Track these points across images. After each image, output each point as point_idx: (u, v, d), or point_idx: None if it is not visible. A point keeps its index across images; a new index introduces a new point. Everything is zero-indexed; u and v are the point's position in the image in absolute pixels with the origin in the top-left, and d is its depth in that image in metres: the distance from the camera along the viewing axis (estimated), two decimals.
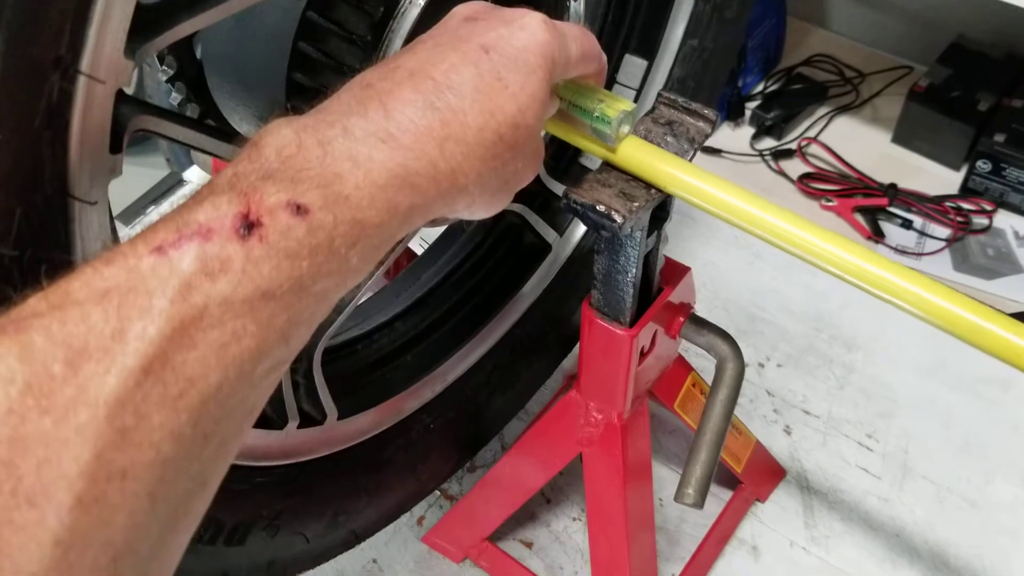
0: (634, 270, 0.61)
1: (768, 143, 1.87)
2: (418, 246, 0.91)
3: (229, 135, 0.51)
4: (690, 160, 0.56)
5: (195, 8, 0.45)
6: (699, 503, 0.65)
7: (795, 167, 1.81)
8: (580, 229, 0.86)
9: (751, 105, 1.90)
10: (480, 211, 0.47)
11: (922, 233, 1.69)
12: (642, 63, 0.83)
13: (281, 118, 0.39)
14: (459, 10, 0.47)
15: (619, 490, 0.73)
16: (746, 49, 1.85)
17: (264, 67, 0.56)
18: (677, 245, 1.12)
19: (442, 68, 0.42)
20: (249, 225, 0.34)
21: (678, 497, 0.66)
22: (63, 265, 0.43)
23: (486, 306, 0.82)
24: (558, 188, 0.82)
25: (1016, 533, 0.91)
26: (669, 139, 0.57)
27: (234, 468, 0.40)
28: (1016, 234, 1.69)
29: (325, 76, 0.54)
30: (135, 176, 1.31)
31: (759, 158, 1.84)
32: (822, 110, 1.90)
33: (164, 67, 0.63)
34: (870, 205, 1.70)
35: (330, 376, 0.66)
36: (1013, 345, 0.46)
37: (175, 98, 0.64)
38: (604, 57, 0.53)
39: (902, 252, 1.66)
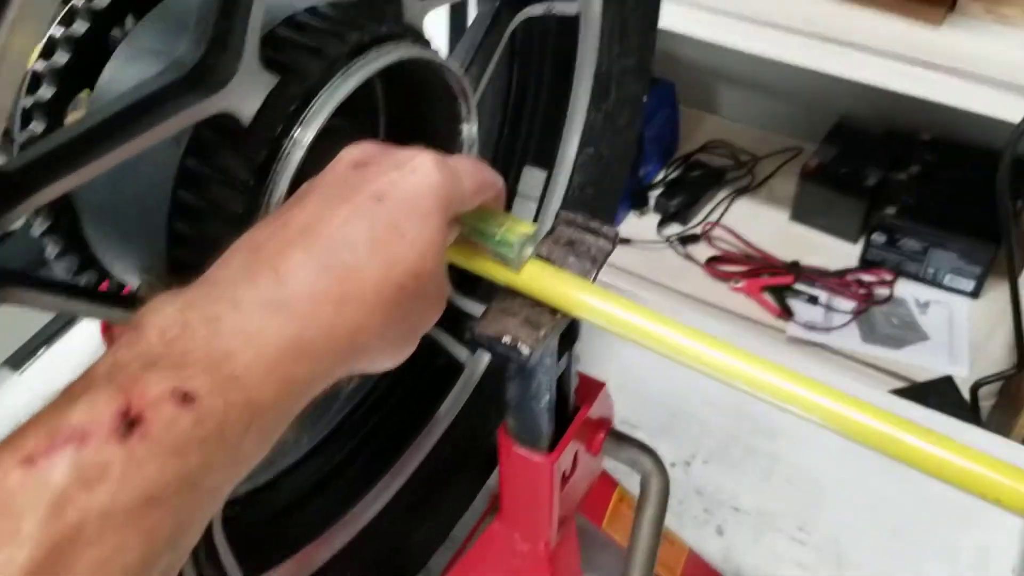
0: (548, 395, 0.59)
1: (674, 229, 1.90)
2: None
3: (110, 297, 0.48)
4: (593, 279, 0.55)
5: (62, 171, 0.42)
6: None
7: (702, 251, 1.84)
8: None
9: (654, 193, 1.95)
10: (386, 363, 0.44)
11: (828, 308, 1.73)
12: (541, 173, 0.83)
13: (164, 294, 0.36)
14: (346, 154, 0.45)
15: None
16: (644, 140, 1.90)
17: (143, 217, 0.53)
18: (593, 347, 1.11)
19: (334, 223, 0.40)
20: (130, 423, 0.30)
21: None
22: None
23: (399, 436, 0.79)
24: (467, 305, 0.80)
25: None
26: (571, 259, 0.56)
27: None
28: (917, 301, 1.74)
29: (208, 224, 0.51)
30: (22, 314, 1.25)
31: (666, 244, 1.87)
32: (722, 193, 1.95)
33: (39, 219, 0.60)
34: (776, 284, 1.73)
35: (232, 533, 0.61)
36: (929, 456, 0.45)
37: (51, 251, 0.61)
38: (500, 181, 0.52)
39: (811, 328, 1.69)
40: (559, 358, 0.58)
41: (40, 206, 0.43)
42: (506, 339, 0.51)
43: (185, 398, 0.32)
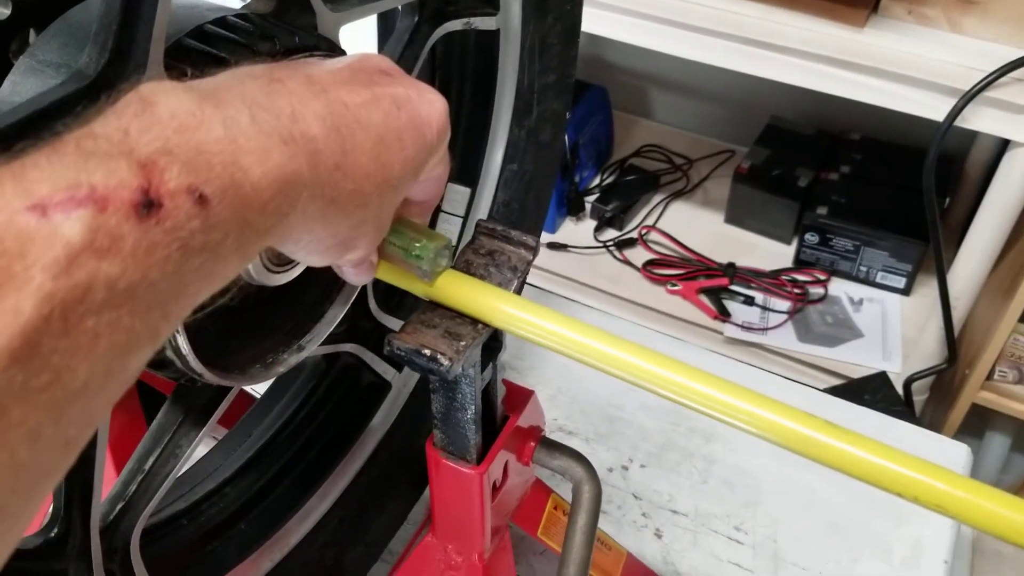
0: (473, 407, 0.58)
1: (610, 234, 1.91)
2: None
3: None
4: (515, 289, 0.54)
5: None
6: None
7: (639, 255, 1.85)
8: None
9: (590, 199, 1.95)
10: (311, 255, 0.44)
11: (764, 308, 1.75)
12: (465, 190, 0.82)
13: (172, 81, 0.34)
14: (373, 59, 0.45)
15: None
16: (578, 145, 1.90)
17: None
18: (529, 352, 1.10)
19: (356, 100, 0.40)
20: (149, 204, 0.29)
21: None
22: None
23: (326, 456, 0.77)
24: (392, 323, 0.79)
25: None
26: (492, 269, 0.55)
27: None
28: (851, 299, 1.77)
29: None
30: None
31: (603, 249, 1.88)
32: (657, 197, 1.96)
33: None
34: (713, 286, 1.75)
35: (152, 560, 0.59)
36: (859, 460, 0.45)
37: None
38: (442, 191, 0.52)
39: (748, 328, 1.71)
40: (483, 369, 0.57)
41: None
42: (426, 351, 0.50)
43: (201, 199, 0.30)
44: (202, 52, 0.51)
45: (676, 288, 1.76)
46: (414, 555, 0.70)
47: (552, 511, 0.76)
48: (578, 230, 1.93)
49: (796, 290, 1.75)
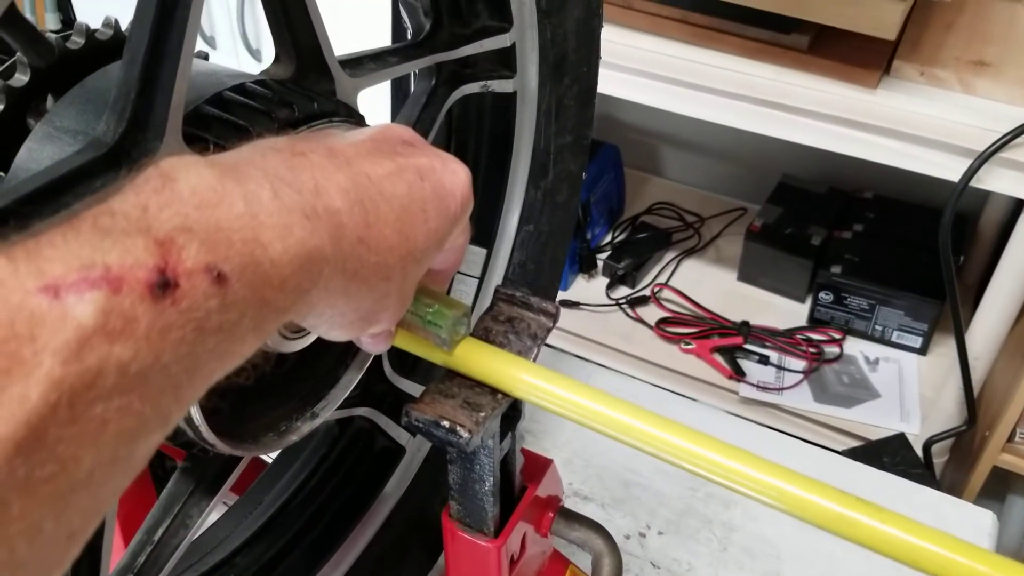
0: (491, 478, 0.56)
1: (623, 291, 1.90)
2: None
3: None
4: (534, 358, 0.53)
5: None
6: None
7: (651, 313, 1.84)
8: None
9: (602, 256, 1.94)
10: (332, 330, 0.43)
11: (779, 367, 1.73)
12: (481, 251, 0.81)
13: (191, 155, 0.34)
14: (396, 129, 0.45)
15: None
16: (590, 203, 1.91)
17: None
18: (543, 414, 1.08)
19: (379, 172, 0.40)
20: (165, 284, 0.28)
21: None
22: None
23: (339, 523, 0.75)
24: (406, 386, 0.78)
25: None
26: (511, 337, 0.54)
27: None
28: (867, 359, 1.75)
29: None
30: None
31: (616, 307, 1.87)
32: (669, 255, 1.95)
33: None
34: (727, 344, 1.73)
35: None
36: (884, 536, 0.43)
37: None
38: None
39: (764, 388, 1.69)
40: (502, 439, 0.56)
41: None
42: (444, 423, 0.49)
43: (219, 278, 0.30)
44: (221, 119, 0.51)
45: (690, 347, 1.74)
46: None
47: None
48: (590, 288, 1.92)
49: (811, 349, 1.73)
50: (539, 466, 0.65)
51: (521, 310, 0.55)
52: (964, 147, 1.23)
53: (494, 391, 0.51)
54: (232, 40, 1.87)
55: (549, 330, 0.55)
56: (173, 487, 0.61)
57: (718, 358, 1.72)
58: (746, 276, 1.87)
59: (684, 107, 1.43)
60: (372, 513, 0.78)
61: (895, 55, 1.34)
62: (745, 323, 1.76)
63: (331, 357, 0.65)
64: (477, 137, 0.79)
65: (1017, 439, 1.57)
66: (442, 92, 0.70)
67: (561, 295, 1.87)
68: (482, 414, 0.50)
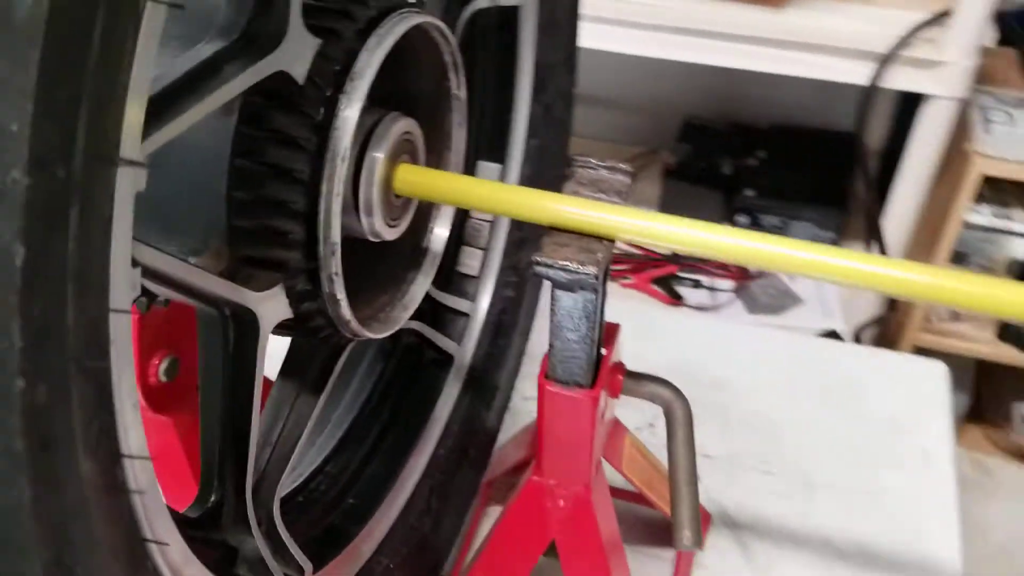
0: (596, 326, 0.62)
1: None
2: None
3: None
4: None
5: None
6: (699, 542, 0.66)
7: None
8: (475, 335, 0.86)
9: None
10: None
11: (712, 289, 1.85)
12: (496, 167, 0.86)
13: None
14: None
15: (604, 569, 0.72)
16: None
17: (201, 191, 0.52)
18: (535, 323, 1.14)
19: None
20: None
21: (677, 543, 0.66)
22: None
23: (408, 431, 0.79)
24: (446, 299, 0.83)
25: (914, 512, 0.99)
26: (600, 195, 0.60)
27: None
28: None
29: (269, 187, 0.51)
30: None
31: None
32: None
33: None
34: (663, 275, 1.83)
35: (295, 532, 0.61)
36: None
37: None
38: None
39: (702, 309, 1.80)
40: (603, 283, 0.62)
41: None
42: (572, 264, 0.54)
43: None
44: (325, 7, 0.54)
45: (629, 282, 1.83)
46: (520, 497, 0.72)
47: (630, 448, 0.80)
48: None
49: (737, 268, 1.85)
50: (611, 331, 0.70)
51: (601, 172, 0.61)
52: (868, 51, 1.36)
53: (599, 238, 0.57)
54: None
55: (630, 186, 0.61)
56: (277, 393, 0.65)
57: (657, 288, 1.82)
58: (667, 210, 1.94)
59: (595, 42, 1.50)
60: (433, 420, 0.82)
61: None
62: (675, 253, 1.87)
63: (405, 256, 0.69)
64: (484, 57, 0.84)
65: (933, 319, 1.73)
66: (455, 7, 0.75)
67: None
68: (599, 255, 0.56)
